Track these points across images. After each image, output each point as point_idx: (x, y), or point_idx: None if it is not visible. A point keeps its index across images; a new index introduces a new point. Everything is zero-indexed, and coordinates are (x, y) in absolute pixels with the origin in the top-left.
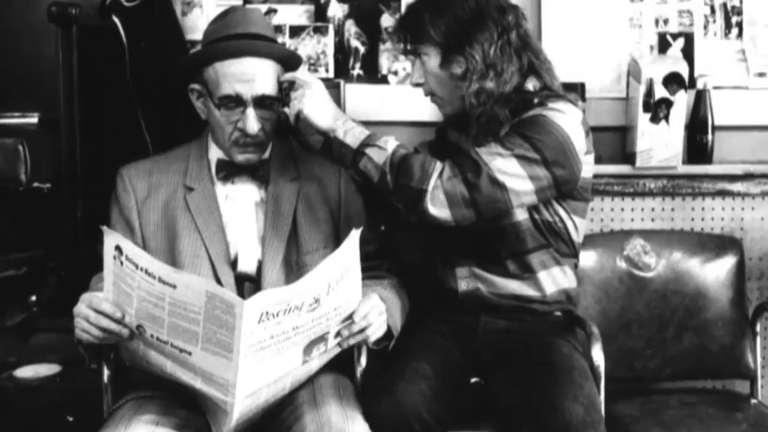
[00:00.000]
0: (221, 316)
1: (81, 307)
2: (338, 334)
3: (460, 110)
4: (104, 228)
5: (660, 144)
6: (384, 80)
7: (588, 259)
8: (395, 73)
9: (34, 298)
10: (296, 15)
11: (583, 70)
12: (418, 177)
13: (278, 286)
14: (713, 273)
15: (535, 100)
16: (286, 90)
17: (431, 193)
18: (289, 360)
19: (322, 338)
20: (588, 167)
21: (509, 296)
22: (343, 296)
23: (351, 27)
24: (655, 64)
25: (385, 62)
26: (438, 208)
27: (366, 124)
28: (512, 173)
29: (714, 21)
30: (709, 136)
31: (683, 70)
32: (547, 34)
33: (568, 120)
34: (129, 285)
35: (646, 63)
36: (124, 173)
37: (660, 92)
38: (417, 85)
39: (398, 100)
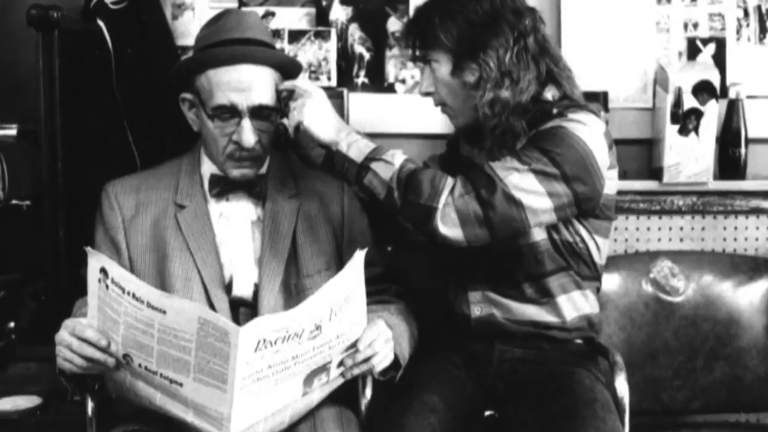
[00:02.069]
0: (215, 344)
1: (63, 335)
2: (341, 363)
3: (473, 121)
4: (88, 249)
5: (689, 158)
6: (391, 89)
7: (611, 282)
8: (403, 81)
9: (12, 324)
10: (296, 18)
11: (606, 78)
12: (428, 194)
13: (276, 312)
14: (747, 298)
15: (554, 111)
16: (284, 100)
17: (442, 211)
18: (288, 391)
19: (323, 368)
20: (611, 183)
21: (526, 323)
22: (346, 323)
23: (355, 32)
24: (683, 71)
25: (391, 70)
26: (449, 228)
27: (371, 136)
28: (529, 190)
29: (748, 25)
30: (743, 150)
31: (714, 78)
32: (567, 39)
33: (589, 132)
34: (115, 310)
35: (674, 70)
36: (110, 190)
37: (689, 102)
38: (426, 94)
39: (406, 110)
